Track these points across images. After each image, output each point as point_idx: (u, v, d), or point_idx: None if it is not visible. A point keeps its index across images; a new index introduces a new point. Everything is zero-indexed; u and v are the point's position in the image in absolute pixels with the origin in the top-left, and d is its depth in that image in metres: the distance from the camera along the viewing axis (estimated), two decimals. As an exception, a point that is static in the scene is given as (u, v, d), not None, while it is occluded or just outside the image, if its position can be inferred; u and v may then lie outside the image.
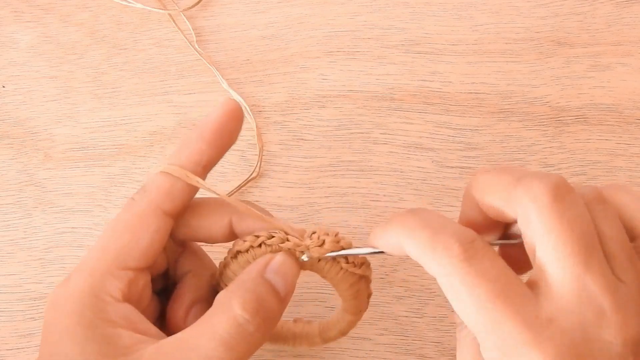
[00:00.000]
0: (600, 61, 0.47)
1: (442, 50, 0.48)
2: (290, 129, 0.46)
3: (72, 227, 0.44)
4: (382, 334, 0.40)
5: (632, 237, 0.27)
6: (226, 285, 0.32)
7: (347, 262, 0.32)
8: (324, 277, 0.33)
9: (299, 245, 0.31)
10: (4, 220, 0.44)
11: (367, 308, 0.35)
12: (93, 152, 0.46)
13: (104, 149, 0.46)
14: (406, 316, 0.41)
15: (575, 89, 0.47)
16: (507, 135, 0.45)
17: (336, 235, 0.32)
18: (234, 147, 0.45)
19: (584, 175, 0.44)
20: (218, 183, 0.44)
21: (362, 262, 0.32)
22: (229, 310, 0.28)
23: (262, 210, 0.34)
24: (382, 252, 0.31)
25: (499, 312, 0.25)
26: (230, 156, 0.45)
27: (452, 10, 0.49)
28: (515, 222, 0.27)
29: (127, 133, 0.46)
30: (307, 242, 0.31)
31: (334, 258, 0.32)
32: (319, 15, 0.49)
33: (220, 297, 0.30)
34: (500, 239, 0.30)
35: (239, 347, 0.28)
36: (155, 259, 0.31)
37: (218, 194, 0.32)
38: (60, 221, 0.44)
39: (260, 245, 0.31)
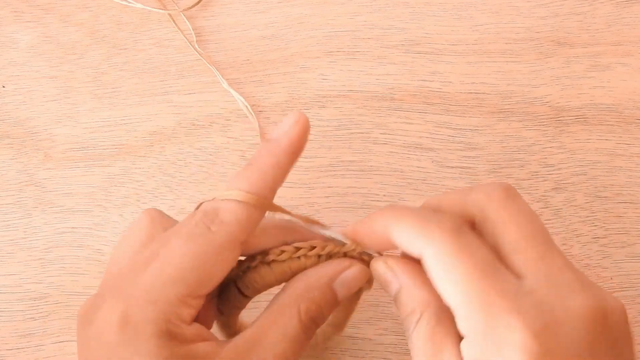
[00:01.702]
0: (600, 61, 0.47)
1: (442, 50, 0.48)
2: (290, 129, 0.46)
3: (72, 227, 0.44)
4: (382, 334, 0.40)
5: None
6: (246, 288, 0.32)
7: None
8: None
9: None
10: (4, 220, 0.44)
11: (352, 314, 0.35)
12: (93, 152, 0.46)
13: (104, 149, 0.46)
14: (406, 316, 0.41)
15: (575, 89, 0.47)
16: (507, 135, 0.45)
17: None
18: (234, 147, 0.45)
19: (584, 175, 0.44)
20: (218, 183, 0.44)
21: (370, 279, 0.32)
22: (297, 314, 0.29)
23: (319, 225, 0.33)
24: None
25: (482, 287, 0.26)
26: (230, 156, 0.45)
27: (452, 10, 0.49)
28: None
29: (127, 133, 0.46)
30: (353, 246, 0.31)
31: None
32: (319, 15, 0.49)
33: (285, 299, 0.30)
34: None
35: (301, 349, 0.30)
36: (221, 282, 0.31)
37: (314, 223, 0.32)
38: (60, 221, 0.44)
39: (299, 257, 0.31)
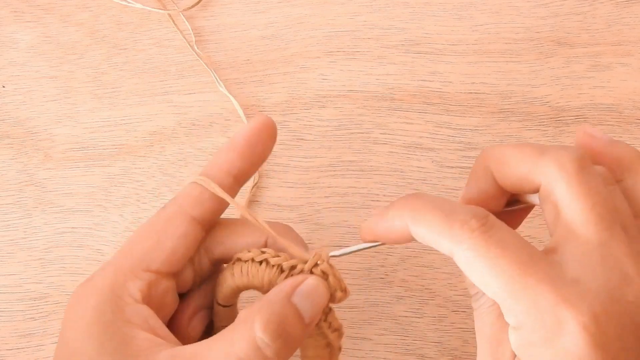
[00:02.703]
0: (600, 61, 0.47)
1: (442, 50, 0.48)
2: (290, 129, 0.46)
3: (72, 227, 0.44)
4: (382, 334, 0.40)
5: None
6: (218, 293, 0.32)
7: (325, 320, 0.30)
8: None
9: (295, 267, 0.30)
10: (4, 220, 0.44)
11: None
12: (93, 152, 0.46)
13: (104, 149, 0.46)
14: (406, 316, 0.41)
15: (575, 89, 0.47)
16: (507, 135, 0.45)
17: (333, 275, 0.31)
18: (234, 147, 0.45)
19: (584, 175, 0.44)
20: (218, 183, 0.44)
21: (337, 328, 0.31)
22: (250, 331, 0.27)
23: (289, 230, 0.33)
24: (381, 244, 0.31)
25: (524, 278, 0.25)
26: (230, 156, 0.45)
27: (452, 10, 0.49)
28: (532, 192, 0.29)
29: (127, 133, 0.46)
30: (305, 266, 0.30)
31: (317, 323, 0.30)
32: (319, 15, 0.49)
33: (243, 314, 0.28)
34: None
35: None
36: (180, 264, 0.31)
37: (242, 209, 0.32)
38: (60, 221, 0.44)
39: (261, 262, 0.30)
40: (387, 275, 0.42)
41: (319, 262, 0.30)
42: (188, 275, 0.33)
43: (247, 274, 0.31)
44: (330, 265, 0.30)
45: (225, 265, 0.33)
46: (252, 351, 0.27)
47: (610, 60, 0.47)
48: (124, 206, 0.44)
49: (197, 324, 0.33)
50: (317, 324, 0.30)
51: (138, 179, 0.45)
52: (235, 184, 0.32)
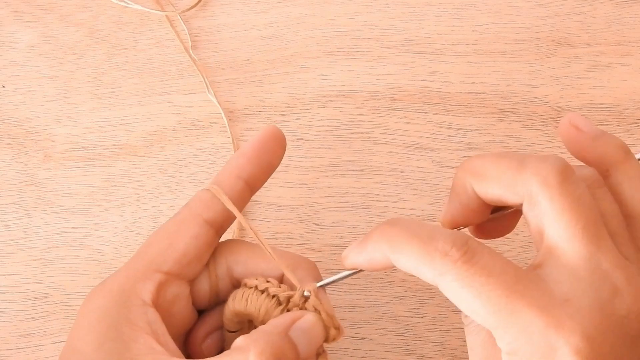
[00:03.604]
0: (600, 61, 0.47)
1: (442, 50, 0.48)
2: (290, 129, 0.46)
3: (72, 227, 0.44)
4: (382, 334, 0.40)
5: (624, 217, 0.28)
6: (224, 317, 0.32)
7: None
8: None
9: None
10: (4, 220, 0.44)
11: None
12: (93, 152, 0.46)
13: (104, 149, 0.46)
14: (406, 316, 0.41)
15: (575, 89, 0.47)
16: (507, 135, 0.45)
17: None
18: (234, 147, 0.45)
19: (584, 175, 0.44)
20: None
21: (320, 354, 0.31)
22: (245, 357, 0.27)
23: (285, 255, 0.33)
24: (361, 270, 0.30)
25: (512, 304, 0.25)
26: (229, 156, 0.45)
27: (452, 10, 0.49)
28: (515, 205, 0.28)
29: (127, 133, 0.46)
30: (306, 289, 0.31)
31: None
32: (319, 15, 0.49)
33: (240, 342, 0.28)
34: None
35: None
36: (192, 267, 0.31)
37: (248, 226, 0.32)
38: (60, 221, 0.44)
39: (263, 291, 0.31)
40: (387, 275, 0.42)
41: (305, 293, 0.30)
42: (204, 287, 0.32)
43: (246, 300, 0.31)
44: (320, 301, 0.30)
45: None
46: None
47: (610, 60, 0.47)
48: (124, 206, 0.44)
49: (211, 343, 0.33)
50: None
51: (138, 179, 0.45)
52: (246, 188, 0.33)
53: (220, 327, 0.33)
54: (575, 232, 0.26)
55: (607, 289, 0.25)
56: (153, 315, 0.29)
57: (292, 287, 0.31)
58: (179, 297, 0.31)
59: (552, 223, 0.26)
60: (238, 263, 0.32)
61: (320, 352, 0.31)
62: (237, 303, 0.31)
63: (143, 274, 0.30)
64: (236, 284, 0.33)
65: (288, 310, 0.31)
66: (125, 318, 0.28)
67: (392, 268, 0.29)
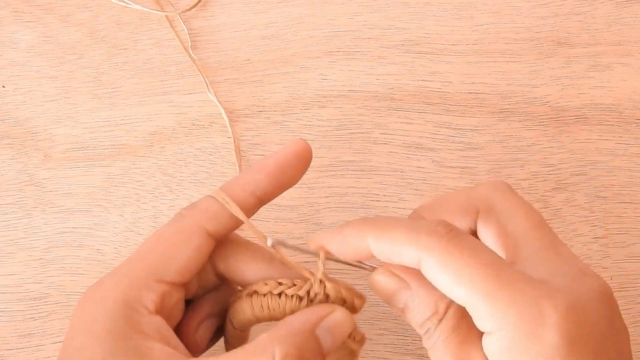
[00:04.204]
0: (600, 61, 0.47)
1: (442, 50, 0.48)
2: (290, 129, 0.46)
3: (72, 227, 0.43)
4: (382, 334, 0.40)
5: None
6: (233, 318, 0.32)
7: (349, 336, 0.31)
8: None
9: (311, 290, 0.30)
10: (4, 220, 0.44)
11: None
12: (93, 152, 0.46)
13: (104, 149, 0.46)
14: (406, 316, 0.41)
15: (575, 89, 0.47)
16: (507, 135, 0.45)
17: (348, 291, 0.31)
18: (234, 147, 0.45)
19: (584, 175, 0.44)
20: (218, 183, 0.44)
21: (360, 339, 0.31)
22: (270, 358, 0.27)
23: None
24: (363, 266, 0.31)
25: (501, 277, 0.26)
26: (230, 156, 0.45)
27: (452, 10, 0.49)
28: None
29: (127, 133, 0.46)
30: (318, 275, 0.30)
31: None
32: (319, 15, 0.49)
33: (264, 338, 0.28)
34: None
35: None
36: (191, 276, 0.31)
37: (256, 232, 0.31)
38: (60, 221, 0.44)
39: (279, 295, 0.30)
40: (387, 275, 0.42)
41: (322, 279, 0.30)
42: (193, 285, 0.33)
43: (268, 309, 0.30)
44: (336, 281, 0.30)
45: (240, 289, 0.32)
46: None
47: (610, 60, 0.47)
48: (124, 206, 0.44)
49: (204, 332, 0.33)
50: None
51: (138, 179, 0.45)
52: (257, 204, 0.32)
53: (210, 315, 0.33)
54: (534, 223, 0.29)
55: (575, 271, 0.27)
56: (160, 322, 0.29)
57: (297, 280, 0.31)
58: (178, 302, 0.31)
59: (513, 218, 0.29)
60: (222, 258, 0.33)
61: (361, 339, 0.31)
62: (259, 313, 0.31)
63: (146, 283, 0.30)
64: (219, 277, 0.33)
65: (311, 301, 0.30)
66: (134, 328, 0.28)
67: (363, 258, 0.29)
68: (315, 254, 0.31)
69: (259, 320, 0.31)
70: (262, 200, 0.32)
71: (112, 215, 0.44)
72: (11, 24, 0.49)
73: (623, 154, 0.45)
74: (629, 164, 0.44)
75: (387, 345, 0.40)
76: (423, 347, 0.40)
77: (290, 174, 0.32)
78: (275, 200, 0.44)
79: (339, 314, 0.29)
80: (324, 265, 0.31)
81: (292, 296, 0.30)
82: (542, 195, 0.43)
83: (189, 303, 0.33)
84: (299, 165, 0.32)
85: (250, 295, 0.31)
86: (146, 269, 0.30)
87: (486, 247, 0.27)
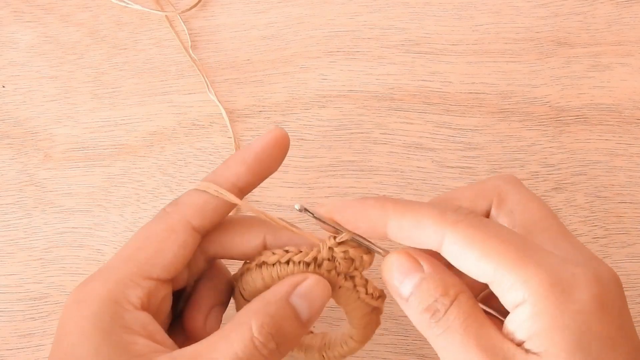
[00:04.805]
0: (600, 61, 0.47)
1: (442, 50, 0.48)
2: (290, 129, 0.46)
3: (72, 227, 0.43)
4: (382, 334, 0.40)
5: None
6: (243, 290, 0.32)
7: (366, 293, 0.32)
8: (339, 304, 0.32)
9: (319, 253, 0.31)
10: (4, 220, 0.44)
11: (371, 337, 0.35)
12: (93, 152, 0.46)
13: (104, 149, 0.46)
14: (406, 316, 0.41)
15: (575, 89, 0.47)
16: (507, 135, 0.45)
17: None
18: (233, 147, 0.45)
19: (584, 175, 0.44)
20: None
21: (380, 295, 0.32)
22: (247, 331, 0.28)
23: (294, 226, 0.33)
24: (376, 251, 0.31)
25: (529, 248, 0.27)
26: (229, 155, 0.45)
27: (452, 10, 0.49)
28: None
29: (127, 133, 0.46)
30: (328, 242, 0.31)
31: (354, 286, 0.31)
32: (319, 15, 0.49)
33: (241, 314, 0.29)
34: None
35: None
36: (178, 272, 0.31)
37: (255, 211, 0.32)
38: (60, 221, 0.44)
39: (287, 262, 0.31)
40: (387, 275, 0.42)
41: (331, 245, 0.31)
42: (183, 277, 0.33)
43: (278, 277, 0.31)
44: (343, 243, 0.31)
45: (248, 262, 0.33)
46: (250, 349, 0.28)
47: (610, 60, 0.47)
48: (124, 206, 0.44)
49: (213, 322, 0.33)
50: (359, 298, 0.31)
51: (138, 179, 0.45)
52: (239, 195, 0.32)
53: (214, 304, 0.33)
54: (547, 211, 0.30)
55: (588, 256, 0.28)
56: (146, 318, 0.30)
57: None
58: (166, 297, 0.32)
59: (526, 209, 0.30)
60: (212, 242, 0.33)
61: (364, 284, 0.32)
62: (270, 282, 0.31)
63: (132, 280, 0.30)
64: (209, 261, 0.34)
65: (319, 266, 0.31)
66: (119, 325, 0.29)
67: (374, 235, 0.30)
68: (338, 229, 0.31)
69: (267, 288, 0.32)
70: (243, 190, 0.33)
71: (112, 215, 0.44)
72: (11, 24, 0.49)
73: (623, 154, 0.45)
74: (629, 164, 0.44)
75: (387, 345, 0.40)
76: (423, 347, 0.40)
77: (269, 164, 0.33)
78: (275, 200, 0.44)
79: (311, 281, 0.30)
80: (334, 232, 0.31)
81: (299, 262, 0.31)
82: (542, 195, 0.43)
83: (182, 292, 0.34)
84: (277, 155, 0.33)
85: (260, 265, 0.31)
86: (133, 267, 0.30)
87: (507, 227, 0.28)
